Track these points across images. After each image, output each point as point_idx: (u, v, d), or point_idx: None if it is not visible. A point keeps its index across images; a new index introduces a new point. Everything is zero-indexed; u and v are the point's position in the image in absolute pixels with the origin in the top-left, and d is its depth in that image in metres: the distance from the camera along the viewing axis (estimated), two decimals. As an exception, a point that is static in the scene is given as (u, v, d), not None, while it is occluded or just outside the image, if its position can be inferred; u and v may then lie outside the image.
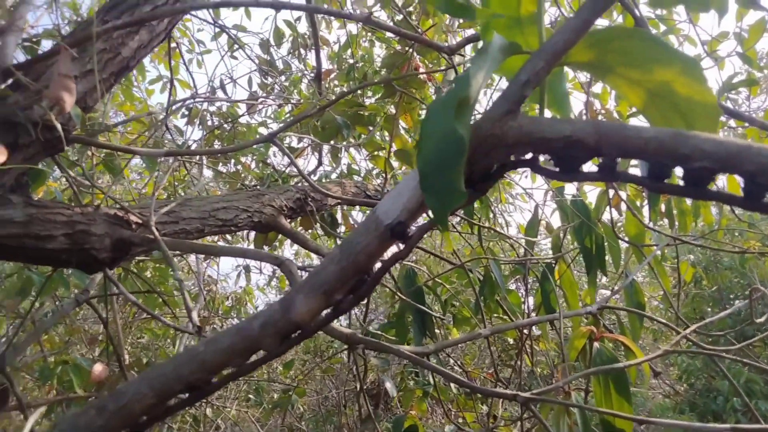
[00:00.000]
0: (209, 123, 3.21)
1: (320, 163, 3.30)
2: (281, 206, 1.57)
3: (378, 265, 0.57)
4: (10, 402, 1.75)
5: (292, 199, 1.64)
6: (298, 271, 1.09)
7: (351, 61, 3.61)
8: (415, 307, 1.74)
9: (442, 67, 2.54)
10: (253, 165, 3.54)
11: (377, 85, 1.65)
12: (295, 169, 3.58)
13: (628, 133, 0.49)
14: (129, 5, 1.18)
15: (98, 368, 2.03)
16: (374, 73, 3.54)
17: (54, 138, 1.07)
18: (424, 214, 0.57)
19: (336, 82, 3.71)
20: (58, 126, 1.01)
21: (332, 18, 3.71)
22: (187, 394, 0.57)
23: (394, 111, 1.86)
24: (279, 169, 3.48)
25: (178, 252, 1.81)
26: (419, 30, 1.88)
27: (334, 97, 3.68)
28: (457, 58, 2.19)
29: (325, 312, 0.56)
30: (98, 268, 1.17)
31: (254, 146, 1.96)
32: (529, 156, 0.55)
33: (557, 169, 0.54)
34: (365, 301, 1.95)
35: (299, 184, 1.72)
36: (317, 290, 0.54)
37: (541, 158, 0.55)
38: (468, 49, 1.83)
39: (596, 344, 1.25)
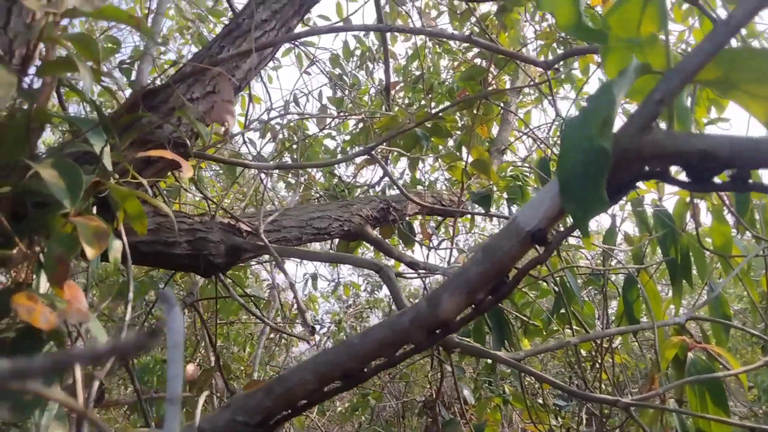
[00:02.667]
0: (281, 136, 3.37)
1: (386, 174, 3.39)
2: (368, 216, 1.65)
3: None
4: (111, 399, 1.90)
5: (376, 209, 1.72)
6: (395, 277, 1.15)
7: (417, 72, 3.70)
8: (495, 316, 1.78)
9: (517, 77, 2.57)
10: (319, 175, 3.67)
11: (470, 100, 1.71)
12: (358, 180, 3.67)
13: (762, 147, 0.52)
14: (242, 32, 1.30)
15: (191, 368, 2.17)
16: (440, 84, 3.61)
17: (181, 153, 1.19)
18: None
19: (401, 94, 3.81)
20: (188, 142, 1.12)
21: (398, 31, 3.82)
22: (340, 382, 0.63)
23: (470, 122, 1.91)
24: (345, 180, 3.59)
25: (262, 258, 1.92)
26: (496, 42, 1.93)
27: (397, 109, 3.75)
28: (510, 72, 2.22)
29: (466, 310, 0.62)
30: (214, 272, 1.27)
31: (353, 159, 2.03)
32: (660, 168, 0.60)
33: (689, 180, 0.58)
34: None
35: (381, 195, 1.79)
36: (462, 289, 0.60)
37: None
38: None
39: (690, 354, 1.24)
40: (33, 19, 0.90)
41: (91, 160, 0.95)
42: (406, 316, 0.62)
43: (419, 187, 3.33)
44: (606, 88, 0.57)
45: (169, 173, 1.44)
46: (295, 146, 3.44)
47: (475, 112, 1.91)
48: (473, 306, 0.61)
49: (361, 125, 3.63)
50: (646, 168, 0.58)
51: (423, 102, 3.66)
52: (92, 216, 0.69)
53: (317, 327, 4.24)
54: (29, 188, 0.78)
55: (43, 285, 0.90)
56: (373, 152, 3.32)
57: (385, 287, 5.92)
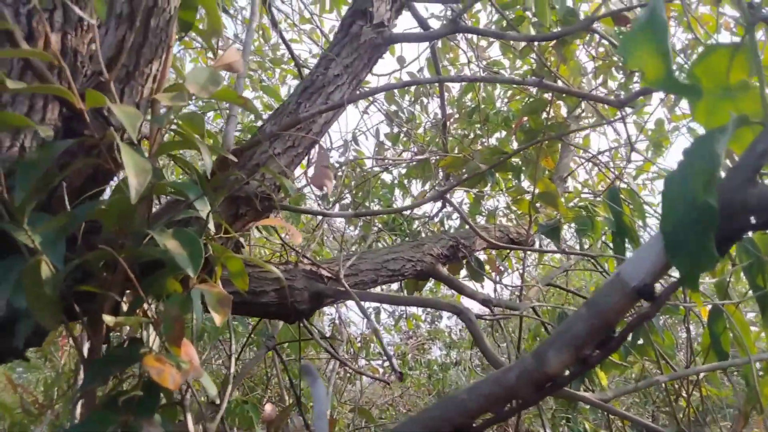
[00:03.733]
0: (340, 173, 3.46)
1: (460, 215, 3.41)
2: (438, 254, 1.67)
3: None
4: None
5: (446, 246, 1.74)
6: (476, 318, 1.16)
7: (470, 104, 3.73)
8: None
9: (580, 111, 2.55)
10: (375, 206, 3.73)
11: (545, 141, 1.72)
12: (415, 213, 3.70)
13: None
14: (316, 88, 1.37)
15: (269, 408, 2.23)
16: (496, 114, 3.62)
17: (265, 206, 1.26)
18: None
19: (455, 125, 3.84)
20: (274, 196, 1.19)
21: (450, 63, 3.88)
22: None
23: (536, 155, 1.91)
24: (405, 215, 3.62)
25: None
26: (556, 74, 1.94)
27: (452, 141, 3.77)
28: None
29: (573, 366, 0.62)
30: (297, 318, 1.32)
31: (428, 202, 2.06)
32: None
33: (798, 230, 0.57)
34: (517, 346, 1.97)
35: (444, 230, 1.81)
36: (568, 345, 0.61)
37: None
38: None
39: (793, 392, 1.18)
40: (141, 97, 0.99)
41: (192, 221, 1.03)
42: (512, 372, 0.63)
43: (479, 219, 3.33)
44: (705, 142, 0.58)
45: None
46: (354, 183, 3.53)
47: (539, 145, 1.92)
48: (581, 361, 0.62)
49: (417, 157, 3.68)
50: (753, 219, 0.58)
51: (479, 132, 3.69)
52: (213, 283, 0.75)
53: (386, 363, 4.24)
54: (145, 254, 0.85)
55: (152, 340, 0.97)
56: (424, 186, 3.31)
57: (444, 317, 5.84)
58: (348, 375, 4.12)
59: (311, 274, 1.32)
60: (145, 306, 0.91)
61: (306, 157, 1.37)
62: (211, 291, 0.72)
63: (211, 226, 0.91)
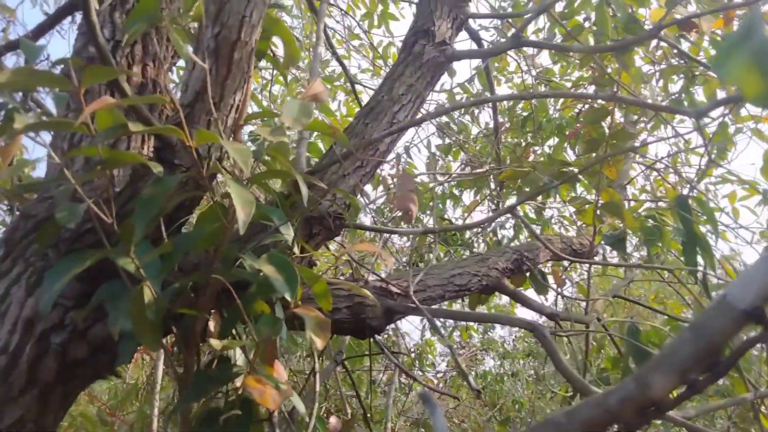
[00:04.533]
0: (391, 185, 3.49)
1: (529, 230, 3.39)
2: (504, 268, 1.66)
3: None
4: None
5: (510, 260, 1.73)
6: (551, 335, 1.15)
7: (521, 113, 3.70)
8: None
9: (641, 118, 2.49)
10: (427, 219, 3.73)
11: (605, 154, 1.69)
12: (467, 224, 3.67)
13: None
14: (383, 107, 1.40)
15: (333, 420, 2.26)
16: (549, 121, 3.57)
17: (336, 225, 1.30)
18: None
19: (506, 135, 3.81)
20: (345, 215, 1.22)
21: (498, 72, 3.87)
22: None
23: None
24: (455, 224, 3.61)
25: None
26: (619, 82, 1.90)
27: (504, 150, 3.74)
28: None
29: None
30: (369, 334, 1.34)
31: (497, 218, 2.05)
32: None
33: None
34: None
35: (511, 245, 1.80)
36: (673, 369, 0.60)
37: None
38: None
39: None
40: (225, 127, 1.04)
41: (275, 243, 1.07)
42: (614, 396, 0.62)
43: (535, 228, 3.28)
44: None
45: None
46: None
47: (601, 154, 1.88)
48: (688, 385, 0.61)
49: (468, 169, 3.67)
50: None
51: (530, 140, 3.64)
52: (311, 307, 0.78)
53: (439, 374, 4.22)
54: (236, 278, 0.89)
55: (238, 359, 1.01)
56: (477, 196, 3.28)
57: (498, 327, 5.74)
58: (402, 386, 4.12)
59: (381, 291, 1.35)
60: (232, 327, 0.95)
61: (372, 176, 1.40)
62: (310, 315, 0.74)
63: (297, 250, 0.94)
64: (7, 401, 1.04)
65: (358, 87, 3.04)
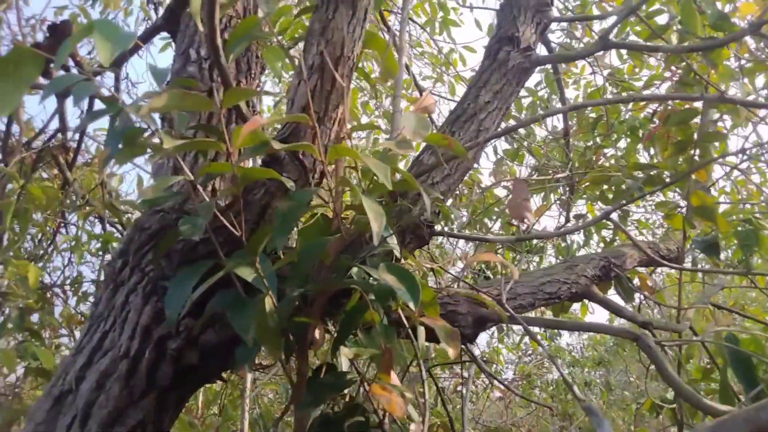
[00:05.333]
0: (457, 192, 3.47)
1: (567, 220, 3.31)
2: (593, 275, 1.62)
3: None
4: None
5: (598, 267, 1.68)
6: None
7: (591, 114, 3.60)
8: (744, 375, 1.60)
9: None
10: (496, 226, 3.69)
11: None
12: (535, 230, 3.60)
13: None
14: (468, 116, 1.40)
15: (413, 428, 2.27)
16: (620, 123, 3.46)
17: (427, 233, 1.31)
18: None
19: (575, 137, 3.71)
20: (436, 223, 1.23)
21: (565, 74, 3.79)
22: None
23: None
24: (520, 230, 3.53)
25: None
26: (707, 81, 1.83)
27: (573, 155, 3.64)
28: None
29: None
30: (462, 342, 1.34)
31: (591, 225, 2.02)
32: None
33: None
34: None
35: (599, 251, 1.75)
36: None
37: None
38: None
39: None
40: (329, 140, 1.07)
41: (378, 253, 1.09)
42: (764, 412, 0.60)
43: (608, 234, 3.17)
44: None
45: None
46: (471, 200, 3.52)
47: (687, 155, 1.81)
48: None
49: (536, 174, 3.60)
50: None
51: (598, 142, 3.54)
52: (436, 317, 0.79)
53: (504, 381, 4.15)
54: (349, 286, 0.91)
55: (344, 366, 1.03)
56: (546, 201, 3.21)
57: (565, 335, 5.59)
58: (471, 393, 4.08)
59: (473, 300, 1.34)
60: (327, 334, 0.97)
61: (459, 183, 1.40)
62: (439, 325, 0.76)
63: (402, 259, 0.96)
64: (129, 404, 1.11)
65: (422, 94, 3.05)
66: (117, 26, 0.81)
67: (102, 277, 3.01)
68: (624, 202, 1.53)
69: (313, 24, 1.02)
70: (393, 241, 0.97)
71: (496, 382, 4.51)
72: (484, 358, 4.31)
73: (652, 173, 1.82)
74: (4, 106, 0.99)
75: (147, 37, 2.39)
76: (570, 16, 1.58)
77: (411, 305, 0.74)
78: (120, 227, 2.82)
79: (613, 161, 3.70)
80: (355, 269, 0.94)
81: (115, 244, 2.78)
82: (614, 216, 2.08)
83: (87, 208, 2.34)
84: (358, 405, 0.87)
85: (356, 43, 1.03)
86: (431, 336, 1.35)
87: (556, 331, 5.47)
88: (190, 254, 1.17)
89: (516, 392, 1.35)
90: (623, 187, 1.96)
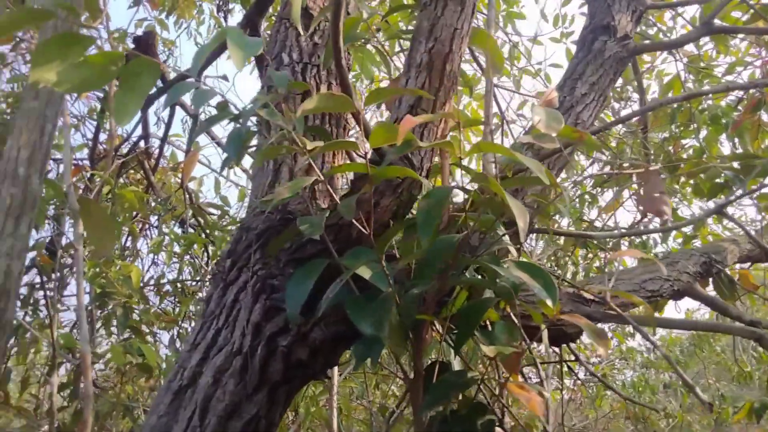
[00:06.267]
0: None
1: (644, 216, 3.18)
2: (695, 272, 1.55)
3: None
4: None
5: (699, 263, 1.61)
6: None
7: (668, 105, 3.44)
8: None
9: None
10: (564, 222, 3.58)
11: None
12: (608, 226, 3.48)
13: None
14: (566, 108, 1.37)
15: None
16: (701, 112, 3.30)
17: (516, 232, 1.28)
18: None
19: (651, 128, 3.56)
20: (536, 219, 1.21)
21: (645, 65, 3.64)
22: None
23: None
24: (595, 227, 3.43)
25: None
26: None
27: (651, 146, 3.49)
28: None
29: None
30: (564, 341, 1.31)
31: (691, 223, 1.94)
32: None
33: None
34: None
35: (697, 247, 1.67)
36: None
37: None
38: None
39: None
40: (435, 137, 1.07)
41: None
42: None
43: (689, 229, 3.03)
44: None
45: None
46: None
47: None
48: None
49: (607, 168, 3.48)
50: None
51: (679, 133, 3.38)
52: (575, 315, 0.78)
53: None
54: (470, 283, 0.91)
55: (457, 364, 1.02)
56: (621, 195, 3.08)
57: (638, 336, 5.41)
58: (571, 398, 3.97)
59: (576, 297, 1.31)
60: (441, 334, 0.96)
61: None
62: (583, 323, 0.74)
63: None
64: (243, 398, 1.14)
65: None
66: (244, 35, 0.84)
67: (182, 277, 3.14)
68: (739, 193, 1.45)
69: (421, 23, 1.02)
70: (506, 239, 0.96)
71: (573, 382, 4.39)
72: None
73: (753, 163, 1.72)
74: (124, 115, 1.04)
75: (225, 44, 2.47)
76: (667, 2, 1.51)
77: (549, 303, 0.73)
78: (200, 229, 2.94)
79: (691, 152, 3.53)
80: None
81: (195, 246, 2.89)
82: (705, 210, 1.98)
83: (174, 210, 2.45)
84: (481, 404, 0.86)
85: (464, 39, 1.02)
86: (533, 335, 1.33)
87: (627, 330, 5.29)
88: (298, 253, 1.20)
89: (624, 395, 1.30)
90: (719, 179, 1.86)
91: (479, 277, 0.99)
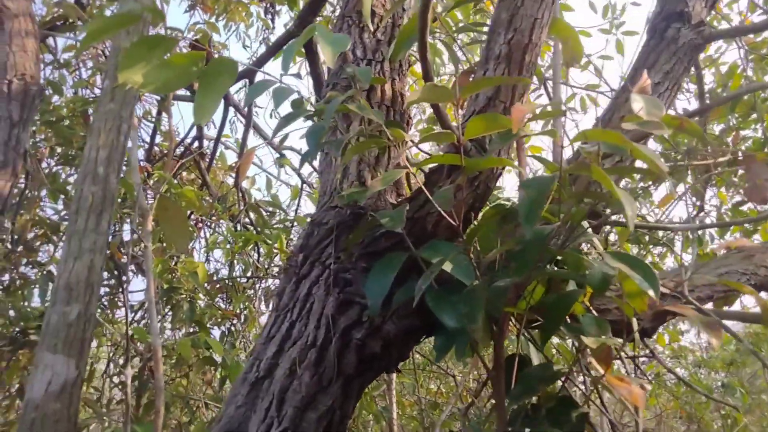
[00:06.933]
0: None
1: (701, 209, 3.08)
2: (773, 266, 1.49)
3: None
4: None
5: (775, 256, 1.54)
6: None
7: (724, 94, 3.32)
8: None
9: None
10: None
11: None
12: (661, 221, 3.38)
13: None
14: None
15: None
16: (762, 101, 3.16)
17: (598, 224, 1.26)
18: None
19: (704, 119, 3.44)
20: (603, 213, 1.18)
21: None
22: None
23: None
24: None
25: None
26: None
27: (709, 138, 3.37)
28: None
29: None
30: (642, 336, 1.28)
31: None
32: None
33: None
34: None
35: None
36: None
37: None
38: None
39: None
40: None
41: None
42: None
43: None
44: None
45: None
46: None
47: None
48: None
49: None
50: None
51: (738, 123, 3.26)
52: (679, 305, 0.76)
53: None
54: (559, 276, 0.90)
55: (535, 357, 1.01)
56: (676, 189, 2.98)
57: (692, 333, 5.18)
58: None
59: (652, 292, 1.28)
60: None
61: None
62: (692, 315, 0.72)
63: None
64: (319, 390, 1.16)
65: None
66: (331, 32, 0.85)
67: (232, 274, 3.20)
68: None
69: (499, 14, 1.01)
70: (590, 231, 0.94)
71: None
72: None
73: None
74: (202, 115, 1.06)
75: (280, 44, 2.51)
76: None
77: (651, 293, 0.71)
78: (253, 227, 3.00)
79: (750, 144, 3.40)
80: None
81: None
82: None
83: (231, 209, 2.50)
84: (569, 398, 0.85)
85: (543, 29, 1.01)
86: (613, 331, 1.31)
87: (679, 327, 5.13)
88: (371, 247, 1.21)
89: (709, 395, 1.24)
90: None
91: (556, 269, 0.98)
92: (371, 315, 1.02)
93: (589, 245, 1.01)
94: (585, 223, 0.93)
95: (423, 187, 1.00)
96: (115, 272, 1.91)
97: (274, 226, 2.93)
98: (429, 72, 0.87)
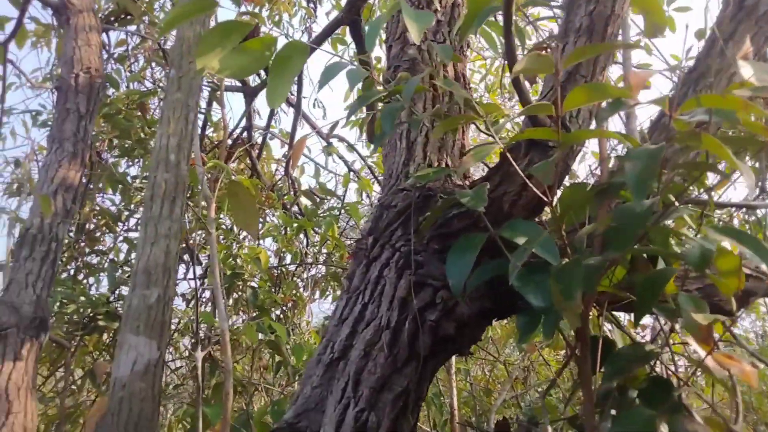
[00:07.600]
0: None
1: (763, 190, 2.95)
2: None
3: None
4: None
5: None
6: None
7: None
8: None
9: None
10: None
11: None
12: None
13: None
14: (716, 72, 1.28)
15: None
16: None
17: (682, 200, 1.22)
18: None
19: None
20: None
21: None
22: None
23: None
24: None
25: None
26: None
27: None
28: None
29: None
30: (726, 315, 1.24)
31: None
32: None
33: None
34: None
35: None
36: None
37: None
38: None
39: None
40: (594, 105, 1.04)
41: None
42: None
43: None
44: None
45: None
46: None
47: None
48: None
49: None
50: None
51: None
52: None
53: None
54: (653, 253, 0.87)
55: (619, 339, 0.99)
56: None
57: (747, 319, 5.01)
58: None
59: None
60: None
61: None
62: None
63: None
64: (393, 371, 1.16)
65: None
66: (413, 9, 0.84)
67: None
68: None
69: (581, -16, 0.98)
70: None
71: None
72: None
73: None
74: (275, 98, 1.07)
75: (331, 29, 2.51)
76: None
77: (765, 268, 0.68)
78: (301, 216, 3.03)
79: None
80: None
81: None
82: None
83: (284, 197, 2.53)
84: (663, 378, 0.83)
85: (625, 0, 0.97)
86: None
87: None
88: (443, 228, 1.21)
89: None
90: None
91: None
92: (454, 295, 1.01)
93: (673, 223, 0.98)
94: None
95: (501, 164, 0.98)
96: (186, 258, 1.97)
97: (322, 215, 2.95)
98: (512, 47, 0.85)
